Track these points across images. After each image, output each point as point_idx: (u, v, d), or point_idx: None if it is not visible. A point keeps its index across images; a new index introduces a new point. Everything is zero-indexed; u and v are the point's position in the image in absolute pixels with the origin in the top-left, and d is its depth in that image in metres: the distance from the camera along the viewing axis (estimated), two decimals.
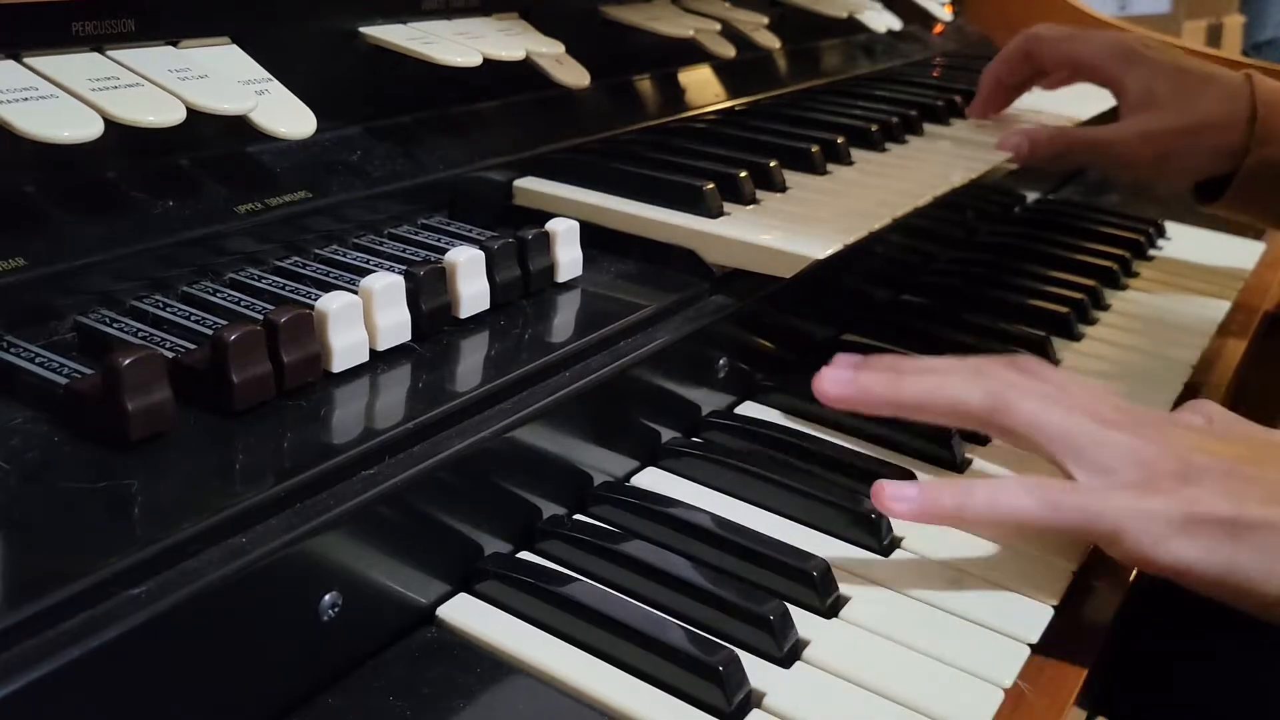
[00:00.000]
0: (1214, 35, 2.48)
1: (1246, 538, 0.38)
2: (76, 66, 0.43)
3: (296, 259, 0.49)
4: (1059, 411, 0.42)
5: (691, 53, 0.79)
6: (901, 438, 0.52)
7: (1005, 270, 0.77)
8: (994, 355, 0.47)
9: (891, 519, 0.45)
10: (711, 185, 0.57)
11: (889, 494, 0.42)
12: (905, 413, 0.45)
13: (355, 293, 0.42)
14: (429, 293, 0.45)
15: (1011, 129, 0.76)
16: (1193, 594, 0.40)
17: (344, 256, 0.50)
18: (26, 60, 0.43)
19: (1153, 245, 0.87)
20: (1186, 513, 0.39)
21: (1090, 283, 0.73)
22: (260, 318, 0.39)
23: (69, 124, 0.40)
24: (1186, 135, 0.70)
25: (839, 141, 0.70)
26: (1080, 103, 0.89)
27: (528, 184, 0.60)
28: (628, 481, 0.48)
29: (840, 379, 0.45)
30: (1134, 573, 0.45)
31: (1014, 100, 0.85)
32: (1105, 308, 0.73)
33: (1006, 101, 0.84)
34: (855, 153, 0.71)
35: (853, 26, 1.01)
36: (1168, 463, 0.41)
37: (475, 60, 0.57)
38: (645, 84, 0.78)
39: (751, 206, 0.59)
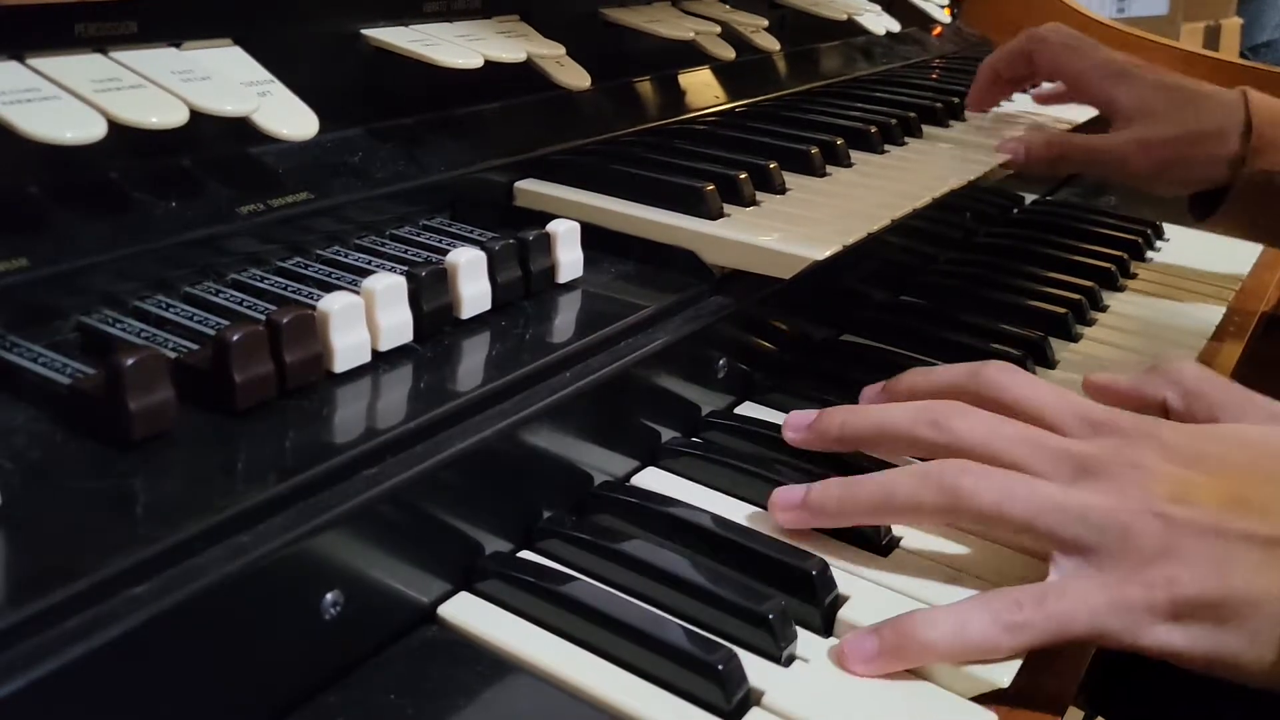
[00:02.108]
0: (1211, 37, 2.48)
1: (1234, 621, 0.36)
2: (79, 68, 0.44)
3: (298, 259, 0.49)
4: (1021, 490, 0.39)
5: (691, 55, 0.79)
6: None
7: (1003, 271, 0.77)
8: (953, 380, 0.46)
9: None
10: (711, 187, 0.57)
11: (849, 651, 0.38)
12: (863, 523, 0.44)
13: (357, 293, 0.42)
14: (430, 293, 0.45)
15: (1009, 132, 0.76)
16: None
17: (346, 257, 0.50)
18: (29, 61, 0.43)
19: (1150, 247, 0.87)
20: (1169, 597, 0.36)
21: (1088, 284, 0.74)
22: (262, 318, 0.39)
23: (72, 125, 0.41)
24: (1183, 144, 0.71)
25: (838, 143, 0.70)
26: (1065, 114, 0.89)
27: (529, 185, 0.60)
28: (628, 481, 0.48)
29: (791, 502, 0.44)
30: None
31: (1008, 94, 0.86)
32: (1103, 309, 0.73)
33: (1002, 95, 0.85)
34: (854, 154, 0.71)
35: (852, 29, 1.01)
36: (1146, 525, 0.37)
37: (476, 62, 0.58)
38: (645, 86, 0.78)
39: (751, 208, 0.60)
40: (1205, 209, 0.74)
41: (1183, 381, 0.46)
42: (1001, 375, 0.45)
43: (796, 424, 0.48)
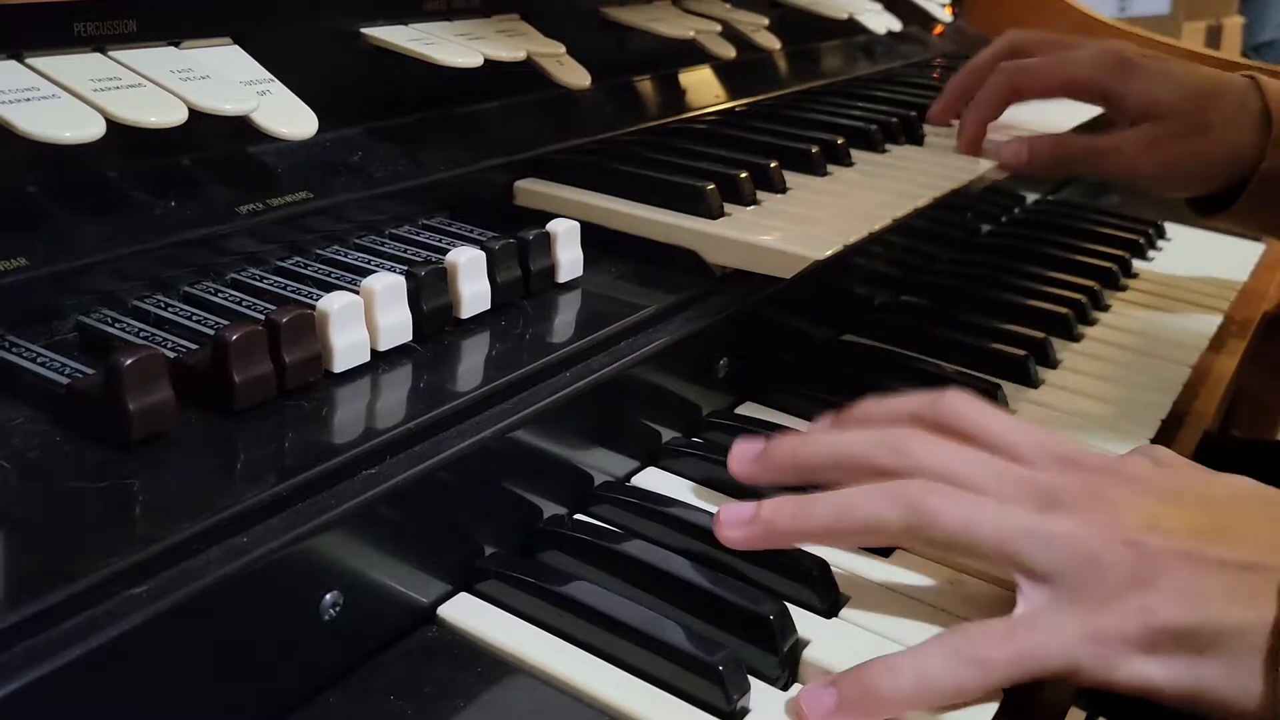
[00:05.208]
0: (1213, 37, 2.48)
1: (1212, 651, 0.34)
2: (78, 67, 0.44)
3: (298, 259, 0.49)
4: (989, 512, 0.37)
5: (692, 54, 0.79)
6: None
7: (1004, 271, 0.77)
8: (911, 409, 0.43)
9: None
10: (712, 186, 0.57)
11: (808, 708, 0.35)
12: (820, 543, 0.41)
13: (356, 293, 0.42)
14: (430, 293, 0.45)
15: (1008, 137, 0.73)
16: None
17: (345, 257, 0.50)
18: (29, 60, 0.43)
19: (1152, 246, 0.87)
20: (1144, 627, 0.35)
21: (1090, 284, 0.73)
22: (261, 318, 0.39)
23: (71, 124, 0.41)
24: (1195, 142, 0.66)
25: (839, 142, 0.70)
26: (1067, 112, 0.89)
27: (529, 184, 0.60)
28: (628, 481, 0.48)
29: (741, 519, 0.40)
30: None
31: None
32: (1105, 308, 0.73)
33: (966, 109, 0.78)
34: (855, 154, 0.71)
35: (852, 28, 1.01)
36: (1117, 553, 0.36)
37: (476, 61, 0.58)
38: (646, 85, 0.78)
39: (752, 207, 0.59)
40: (1210, 206, 0.71)
41: (1159, 457, 0.42)
42: (961, 404, 0.43)
43: (742, 455, 0.44)
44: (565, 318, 0.50)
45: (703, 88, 0.81)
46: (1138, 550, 0.36)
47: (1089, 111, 0.88)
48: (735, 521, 0.41)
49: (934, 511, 0.38)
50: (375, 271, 0.44)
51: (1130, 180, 0.72)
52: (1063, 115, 0.87)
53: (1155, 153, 0.67)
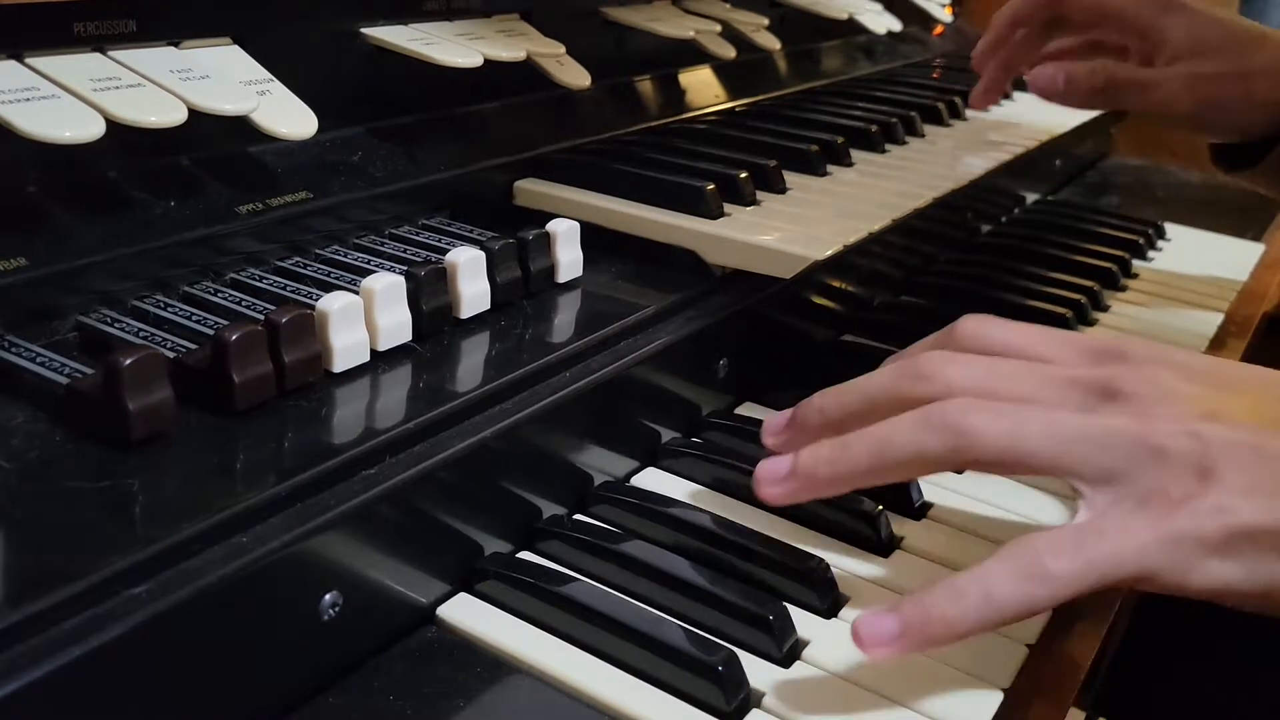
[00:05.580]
0: None
1: None
2: (78, 67, 0.44)
3: (297, 259, 0.49)
4: (1036, 421, 0.35)
5: (692, 54, 0.79)
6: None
7: (1004, 271, 0.77)
8: (929, 343, 0.41)
9: (889, 525, 0.45)
10: (712, 186, 0.57)
11: (867, 635, 0.34)
12: (864, 485, 0.39)
13: (356, 293, 0.42)
14: (430, 293, 0.45)
15: (1043, 69, 0.69)
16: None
17: (345, 257, 0.50)
18: (28, 60, 0.43)
19: (1152, 246, 0.87)
20: (1220, 528, 0.33)
21: (1090, 284, 0.73)
22: (261, 318, 0.39)
23: (70, 124, 0.41)
24: (1237, 82, 0.64)
25: (839, 143, 0.70)
26: (1068, 110, 0.89)
27: (528, 184, 0.60)
28: (628, 481, 0.48)
29: (778, 474, 0.38)
30: None
31: (1024, 58, 0.76)
32: (1105, 309, 0.73)
33: (1013, 57, 0.76)
34: (855, 154, 0.71)
35: (852, 28, 1.01)
36: (1182, 446, 0.34)
37: (476, 61, 0.58)
38: (646, 85, 0.78)
39: (751, 207, 0.59)
40: (1237, 160, 0.69)
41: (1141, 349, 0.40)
42: (980, 324, 0.40)
43: (774, 427, 0.42)
44: (565, 318, 0.50)
45: (703, 88, 0.81)
46: (1203, 442, 0.34)
47: (1089, 113, 0.88)
48: (773, 478, 0.38)
49: (977, 430, 0.35)
50: (375, 271, 0.44)
51: (1168, 117, 0.68)
52: (1064, 114, 0.86)
53: (1196, 90, 0.65)
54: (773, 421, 0.43)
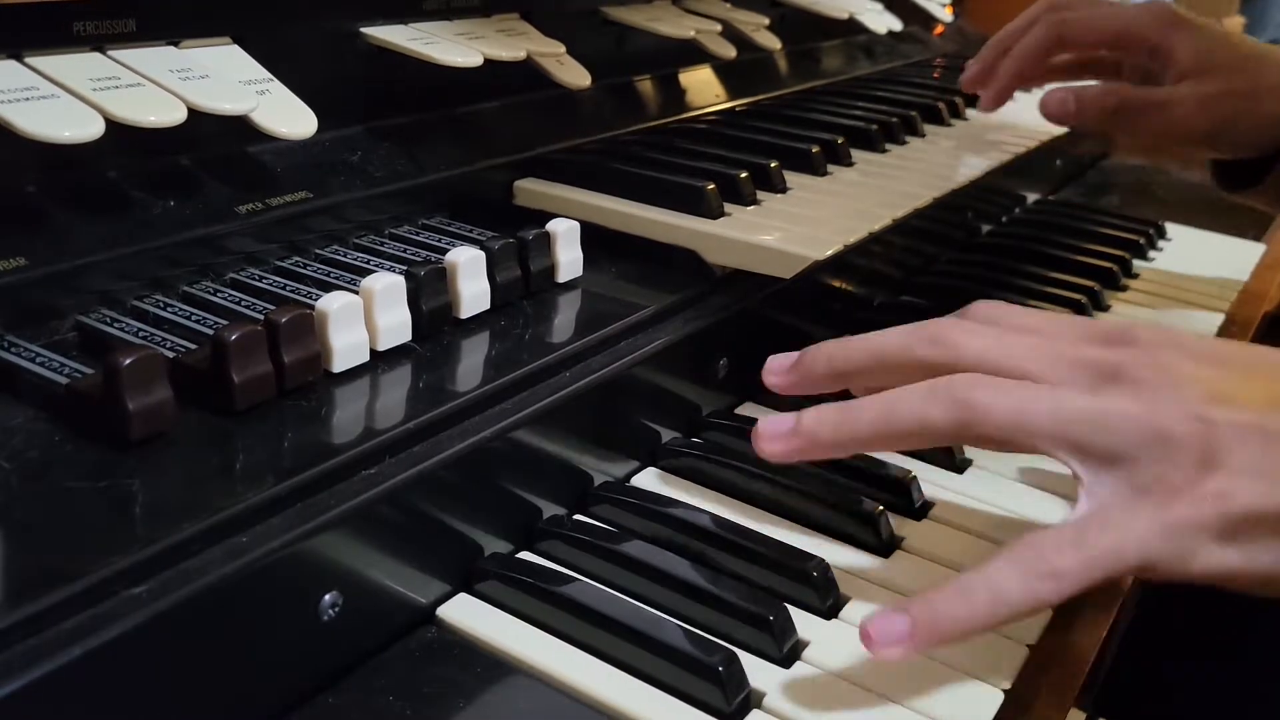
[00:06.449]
0: None
1: None
2: (77, 66, 0.44)
3: (297, 259, 0.49)
4: (1043, 399, 0.35)
5: (692, 53, 0.79)
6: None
7: (1005, 271, 0.77)
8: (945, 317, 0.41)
9: (891, 524, 0.45)
10: (712, 186, 0.57)
11: (877, 635, 0.34)
12: (866, 449, 0.39)
13: (356, 293, 0.42)
14: (429, 293, 0.45)
15: (1054, 92, 0.69)
16: (1193, 595, 0.37)
17: (345, 256, 0.50)
18: (28, 60, 0.43)
19: (1153, 246, 0.87)
20: (1221, 513, 0.33)
21: (1090, 284, 0.73)
22: (261, 317, 0.39)
23: (70, 124, 0.40)
24: (1247, 100, 0.64)
25: (839, 142, 0.70)
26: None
27: (528, 184, 0.60)
28: (628, 481, 0.48)
29: (781, 431, 0.38)
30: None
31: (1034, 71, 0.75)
32: (1105, 308, 0.73)
33: (1028, 73, 0.75)
34: (855, 154, 0.71)
35: (853, 27, 1.01)
36: (1186, 430, 0.34)
37: (476, 60, 0.58)
38: (646, 84, 0.78)
39: (752, 207, 0.59)
40: (1240, 178, 0.69)
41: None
42: (992, 308, 0.41)
43: (778, 368, 0.42)
44: (565, 318, 0.49)
45: (703, 87, 0.81)
46: (1207, 426, 0.34)
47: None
48: (775, 434, 0.38)
49: (984, 405, 0.36)
50: (375, 271, 0.44)
51: (1179, 136, 0.68)
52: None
53: (1208, 109, 0.65)
54: (777, 361, 0.42)
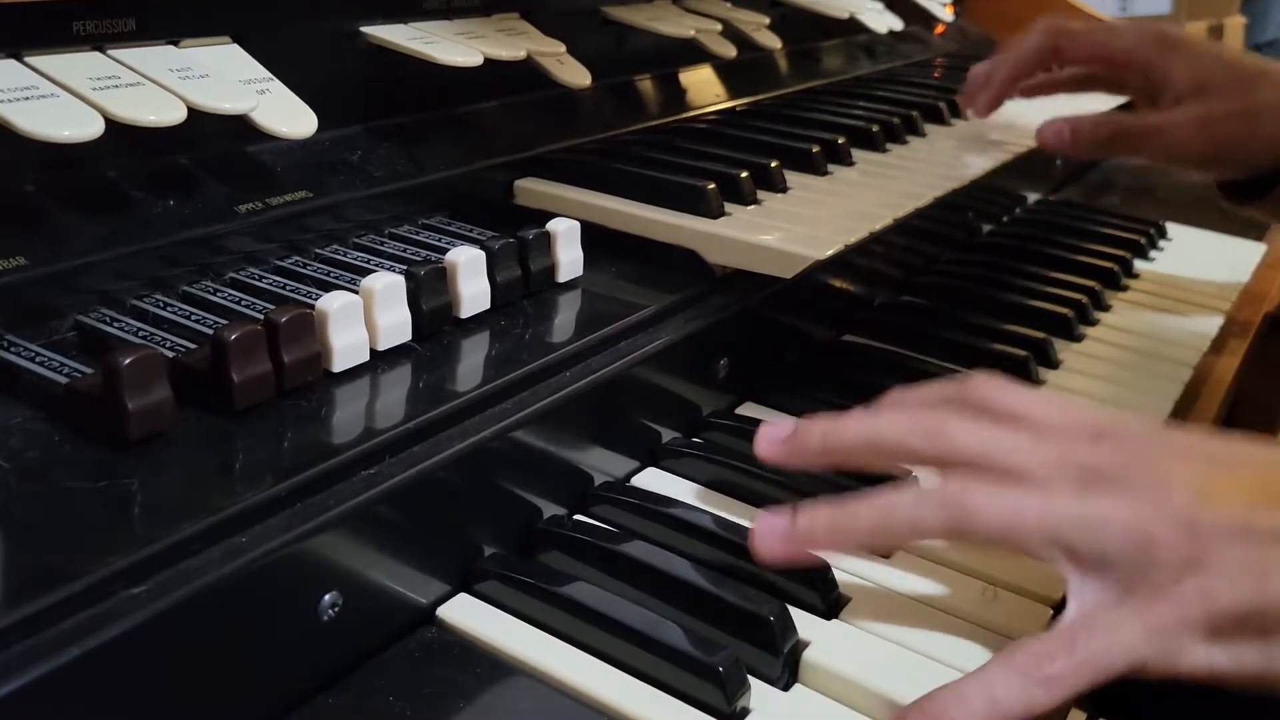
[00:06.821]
0: (1215, 36, 2.48)
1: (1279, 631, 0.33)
2: (77, 66, 0.43)
3: (297, 258, 0.49)
4: (1033, 506, 0.36)
5: (692, 53, 0.79)
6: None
7: (1005, 271, 0.77)
8: (941, 394, 0.42)
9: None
10: (712, 186, 0.57)
11: None
12: (855, 550, 0.41)
13: (356, 292, 0.42)
14: (429, 292, 0.45)
15: (1050, 123, 0.70)
16: None
17: (344, 256, 0.50)
18: (27, 59, 0.43)
19: (1154, 246, 0.87)
20: (1205, 613, 0.33)
21: (1091, 284, 0.73)
22: (260, 317, 0.39)
23: (70, 123, 0.40)
24: (1244, 121, 0.64)
25: (840, 142, 0.70)
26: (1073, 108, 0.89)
27: (529, 184, 0.60)
28: (628, 481, 0.48)
29: (777, 533, 0.39)
30: None
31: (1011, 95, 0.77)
32: (1106, 308, 0.73)
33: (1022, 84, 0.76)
34: (856, 153, 0.71)
35: (854, 27, 1.01)
36: (1171, 534, 0.34)
37: (476, 60, 0.57)
38: (646, 84, 0.78)
39: (752, 207, 0.59)
40: (1244, 192, 0.69)
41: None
42: (991, 387, 0.41)
43: (771, 436, 0.43)
44: (565, 317, 0.49)
45: (703, 87, 0.81)
46: (1190, 528, 0.34)
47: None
48: (772, 536, 0.39)
49: (975, 510, 0.37)
50: (374, 271, 0.44)
51: (1180, 160, 0.68)
52: (1069, 112, 0.86)
53: (1206, 132, 0.65)
54: (771, 430, 0.43)
